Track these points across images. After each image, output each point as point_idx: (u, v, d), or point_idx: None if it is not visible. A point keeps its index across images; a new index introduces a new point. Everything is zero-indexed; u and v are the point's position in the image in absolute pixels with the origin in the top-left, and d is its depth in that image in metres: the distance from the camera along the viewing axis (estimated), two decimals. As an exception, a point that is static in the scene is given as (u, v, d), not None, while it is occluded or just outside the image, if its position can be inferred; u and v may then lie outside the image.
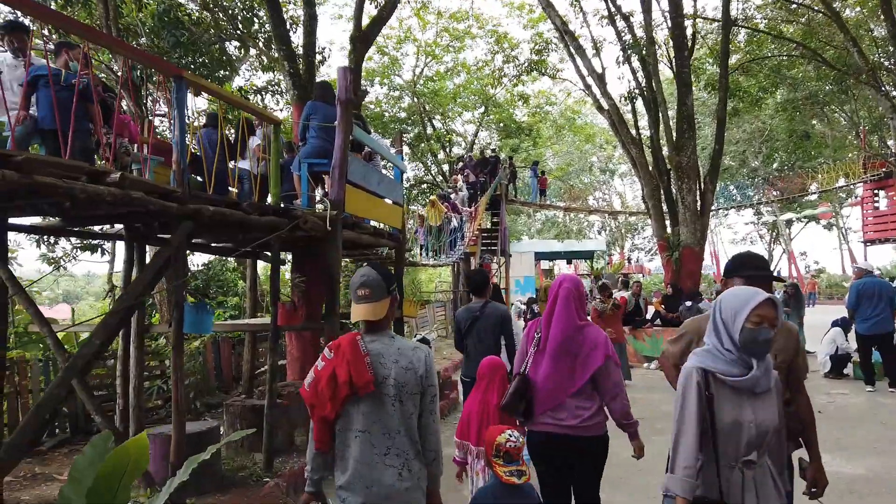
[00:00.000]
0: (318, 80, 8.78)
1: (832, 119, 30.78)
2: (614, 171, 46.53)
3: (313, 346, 8.29)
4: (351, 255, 10.19)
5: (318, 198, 6.84)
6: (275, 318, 6.03)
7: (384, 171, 8.67)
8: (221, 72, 12.77)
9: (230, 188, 7.38)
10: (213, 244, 7.47)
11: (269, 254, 9.15)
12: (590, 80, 14.71)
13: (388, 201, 8.19)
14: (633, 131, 14.32)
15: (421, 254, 15.99)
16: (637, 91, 13.68)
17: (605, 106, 14.29)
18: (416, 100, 25.57)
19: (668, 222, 13.94)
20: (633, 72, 13.82)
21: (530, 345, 3.36)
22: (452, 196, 19.24)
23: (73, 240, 14.68)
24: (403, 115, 26.47)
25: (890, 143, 27.33)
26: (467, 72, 26.37)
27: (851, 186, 33.64)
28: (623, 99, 13.81)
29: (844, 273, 45.30)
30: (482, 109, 26.89)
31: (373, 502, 2.38)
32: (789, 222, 43.32)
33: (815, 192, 30.33)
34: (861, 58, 13.97)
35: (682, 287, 12.81)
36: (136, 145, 6.00)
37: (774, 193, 30.50)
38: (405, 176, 30.16)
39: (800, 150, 30.21)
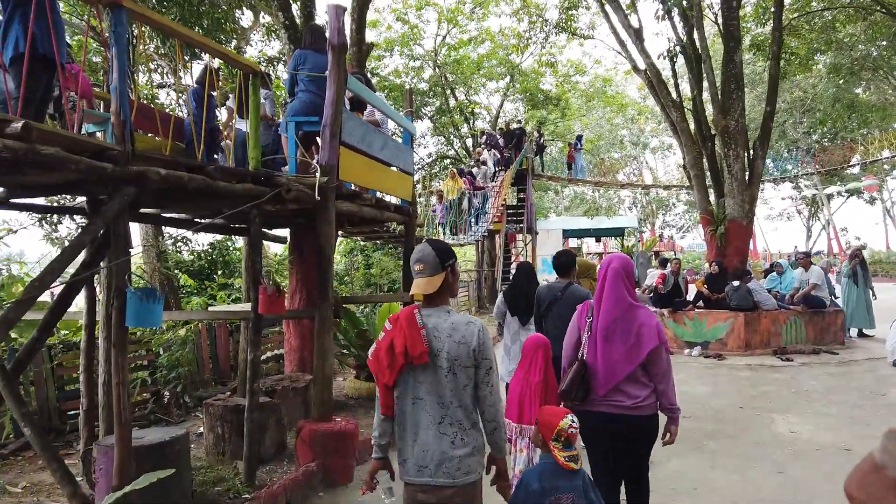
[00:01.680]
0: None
1: (879, 87, 28.83)
2: (646, 145, 44.75)
3: (314, 334, 7.37)
4: (361, 232, 9.18)
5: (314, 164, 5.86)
6: (255, 306, 5.08)
7: (391, 136, 7.61)
8: (222, 37, 11.76)
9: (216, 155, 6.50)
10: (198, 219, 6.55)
11: (268, 230, 8.28)
12: (625, 38, 13.37)
13: (395, 169, 7.18)
14: (674, 93, 12.97)
15: (440, 232, 14.88)
16: (678, 48, 12.29)
17: (643, 66, 12.94)
18: (437, 70, 24.36)
19: (711, 194, 12.68)
20: (674, 27, 12.42)
21: (583, 329, 3.32)
22: (475, 170, 18.18)
23: (77, 218, 14.03)
24: (425, 86, 25.27)
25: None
26: (491, 40, 25.02)
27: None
28: (662, 57, 12.42)
29: (889, 249, 43.11)
30: (507, 79, 25.57)
31: (426, 465, 2.48)
32: (830, 196, 41.20)
33: (860, 164, 28.42)
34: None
35: (728, 265, 11.57)
36: (88, 101, 5.07)
37: (815, 166, 28.67)
38: (426, 150, 28.97)
39: (853, 114, 28.19)
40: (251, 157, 5.12)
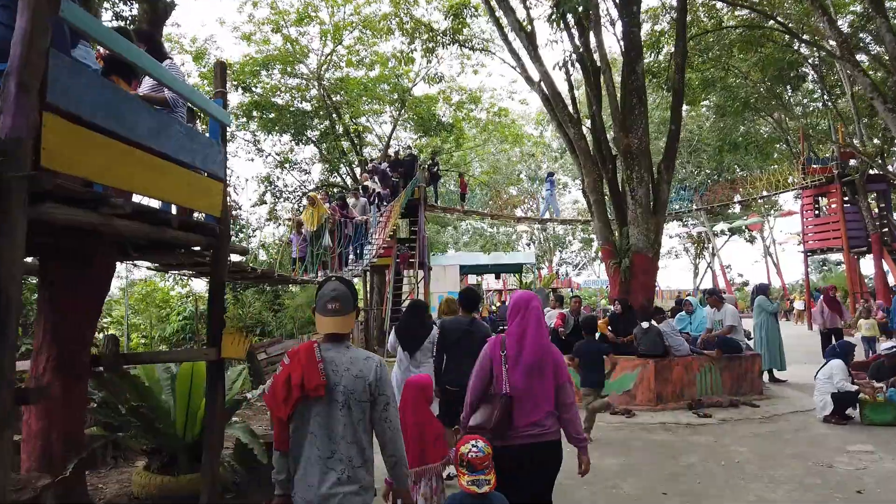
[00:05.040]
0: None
1: (758, 132, 29.80)
2: (543, 181, 44.64)
3: (69, 410, 4.94)
4: (146, 259, 6.62)
5: None
6: None
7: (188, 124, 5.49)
8: None
9: None
10: None
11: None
12: (518, 47, 11.95)
13: (206, 174, 5.04)
14: (571, 107, 11.56)
15: (297, 269, 12.48)
16: (574, 56, 10.90)
17: (536, 77, 11.48)
18: (321, 90, 22.37)
19: (613, 223, 11.33)
20: (571, 35, 11.06)
21: (497, 363, 3.33)
22: (350, 199, 16.25)
23: None
24: (308, 106, 23.19)
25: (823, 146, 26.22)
26: (383, 64, 23.36)
27: (776, 197, 32.87)
28: (558, 68, 11.00)
29: (769, 285, 44.85)
30: (399, 104, 23.96)
31: (310, 501, 2.46)
32: (715, 234, 42.49)
33: (741, 202, 29.17)
34: (833, 29, 11.87)
35: (633, 303, 10.10)
36: None
37: (702, 203, 29.08)
38: (310, 176, 26.54)
39: (736, 155, 28.89)
40: None
